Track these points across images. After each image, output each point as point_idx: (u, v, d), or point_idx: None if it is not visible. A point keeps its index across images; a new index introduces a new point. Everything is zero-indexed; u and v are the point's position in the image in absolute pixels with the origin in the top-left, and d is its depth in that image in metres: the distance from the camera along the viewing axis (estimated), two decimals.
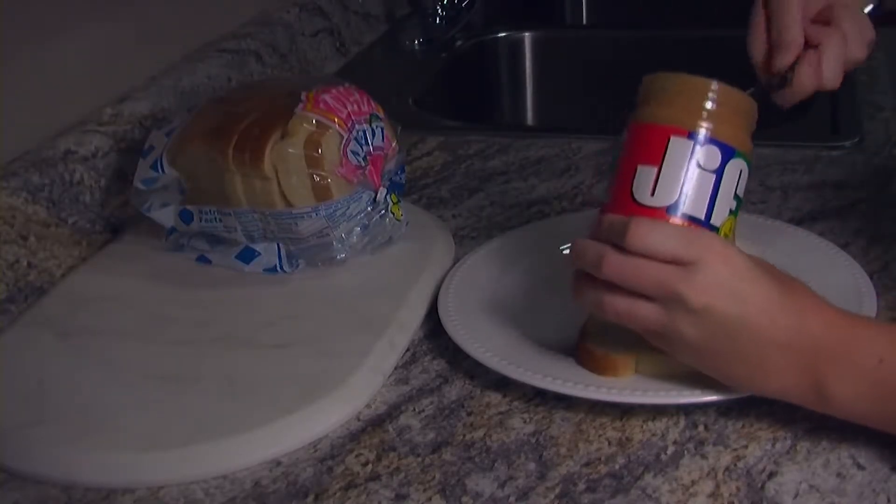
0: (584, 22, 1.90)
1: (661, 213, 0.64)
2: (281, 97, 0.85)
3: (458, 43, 1.50)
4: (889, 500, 0.59)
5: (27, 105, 0.89)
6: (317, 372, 0.71)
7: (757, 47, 0.76)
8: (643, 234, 0.61)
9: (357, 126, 0.84)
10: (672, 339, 0.62)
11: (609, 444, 0.65)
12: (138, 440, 0.66)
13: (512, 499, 0.61)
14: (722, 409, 0.67)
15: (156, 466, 0.65)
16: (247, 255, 0.86)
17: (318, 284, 0.84)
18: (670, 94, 0.66)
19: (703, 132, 0.64)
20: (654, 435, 0.66)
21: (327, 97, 0.84)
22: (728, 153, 0.64)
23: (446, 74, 1.44)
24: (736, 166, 0.64)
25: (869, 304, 0.74)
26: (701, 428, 0.66)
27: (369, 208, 0.85)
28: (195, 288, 0.85)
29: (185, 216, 0.87)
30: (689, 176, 0.64)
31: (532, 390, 0.70)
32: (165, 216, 0.88)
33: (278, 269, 0.85)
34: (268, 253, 0.85)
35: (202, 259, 0.88)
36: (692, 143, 0.64)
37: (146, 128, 0.97)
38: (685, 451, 0.64)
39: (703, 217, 0.64)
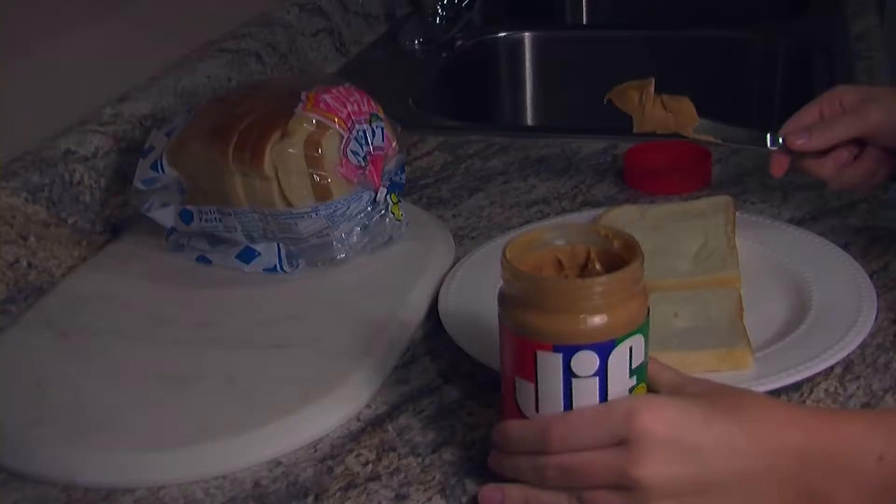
0: (584, 22, 1.90)
1: None
2: (281, 97, 0.85)
3: (458, 43, 1.50)
4: None
5: (27, 105, 0.89)
6: (317, 372, 0.71)
7: (799, 120, 0.82)
8: (561, 437, 0.55)
9: (357, 126, 0.84)
10: None
11: None
12: (138, 440, 0.66)
13: None
14: None
15: (156, 466, 0.65)
16: (247, 255, 0.86)
17: (318, 284, 0.84)
18: (532, 300, 0.56)
19: (569, 342, 0.55)
20: None
21: (327, 97, 0.84)
22: (606, 349, 0.55)
23: (446, 74, 1.44)
24: (621, 353, 0.56)
25: (869, 304, 0.74)
26: None
27: (369, 208, 0.85)
28: (195, 288, 0.85)
29: (185, 216, 0.87)
30: (567, 388, 0.56)
31: None
32: (165, 216, 0.88)
33: (278, 269, 0.85)
34: (268, 253, 0.85)
35: (202, 259, 0.88)
36: (560, 356, 0.55)
37: (146, 128, 0.97)
38: None
39: None
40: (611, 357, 0.55)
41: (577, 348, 0.55)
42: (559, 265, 0.60)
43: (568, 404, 0.57)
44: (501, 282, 0.58)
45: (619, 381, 0.56)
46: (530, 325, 0.56)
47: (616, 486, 0.54)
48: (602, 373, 0.56)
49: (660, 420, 0.54)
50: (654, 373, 0.59)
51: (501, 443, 0.59)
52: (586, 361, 0.55)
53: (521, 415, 0.58)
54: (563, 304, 0.55)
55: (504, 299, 0.58)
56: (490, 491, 0.59)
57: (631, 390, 0.57)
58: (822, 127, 0.80)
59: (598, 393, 0.56)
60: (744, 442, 0.54)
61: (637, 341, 0.56)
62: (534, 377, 0.57)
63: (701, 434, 0.54)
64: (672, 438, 0.54)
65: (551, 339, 0.55)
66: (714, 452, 0.54)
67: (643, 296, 0.57)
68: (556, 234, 0.60)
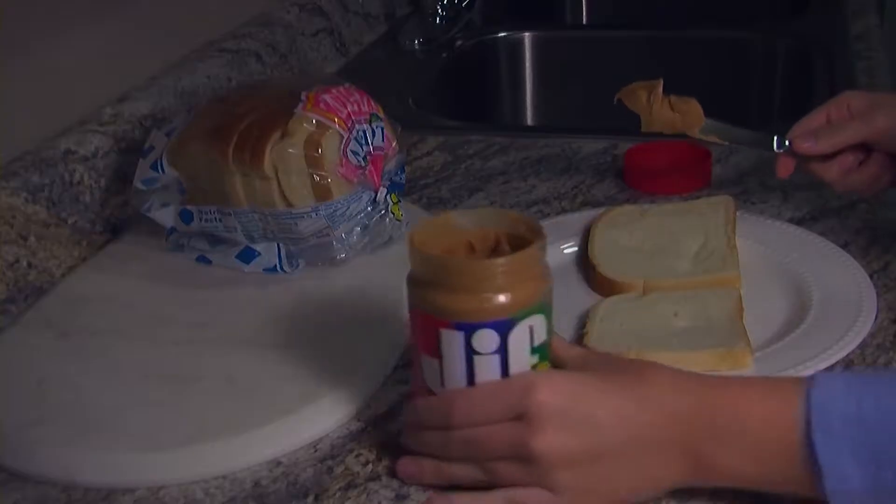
0: (584, 22, 1.90)
1: None
2: (281, 97, 0.85)
3: (458, 43, 1.50)
4: None
5: (27, 105, 0.89)
6: (317, 372, 0.71)
7: (807, 124, 0.82)
8: (463, 412, 0.58)
9: (357, 126, 0.84)
10: (558, 492, 0.57)
11: None
12: (138, 440, 0.66)
13: None
14: None
15: (156, 466, 0.65)
16: (247, 255, 0.86)
17: (318, 284, 0.84)
18: (437, 280, 0.58)
19: (469, 320, 0.57)
20: None
21: (327, 97, 0.84)
22: (506, 327, 0.57)
23: (446, 74, 1.44)
24: (522, 331, 0.57)
25: (869, 303, 0.74)
26: None
27: (369, 208, 0.85)
28: (195, 288, 0.85)
29: (185, 216, 0.87)
30: (469, 365, 0.58)
31: None
32: (165, 216, 0.88)
33: (278, 269, 0.85)
34: (268, 253, 0.85)
35: (202, 259, 0.88)
36: (461, 334, 0.57)
37: (146, 128, 0.97)
38: None
39: None
40: (511, 335, 0.57)
41: (477, 326, 0.57)
42: (471, 248, 0.61)
43: (471, 381, 0.58)
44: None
45: (520, 358, 0.58)
46: (436, 305, 0.58)
47: (517, 457, 0.57)
48: (503, 350, 0.58)
49: (556, 393, 0.56)
50: (559, 349, 0.61)
51: (411, 419, 0.62)
52: (486, 339, 0.57)
53: (429, 392, 0.60)
54: (467, 283, 0.57)
55: (411, 280, 0.60)
56: (406, 464, 0.62)
57: (533, 368, 0.59)
58: (828, 131, 0.80)
59: (499, 370, 0.58)
60: (637, 412, 0.56)
61: (538, 321, 0.58)
62: (438, 354, 0.59)
63: (595, 406, 0.56)
64: (566, 410, 0.56)
65: (453, 317, 0.57)
66: (608, 422, 0.56)
67: (544, 277, 0.59)
68: (465, 219, 0.62)
